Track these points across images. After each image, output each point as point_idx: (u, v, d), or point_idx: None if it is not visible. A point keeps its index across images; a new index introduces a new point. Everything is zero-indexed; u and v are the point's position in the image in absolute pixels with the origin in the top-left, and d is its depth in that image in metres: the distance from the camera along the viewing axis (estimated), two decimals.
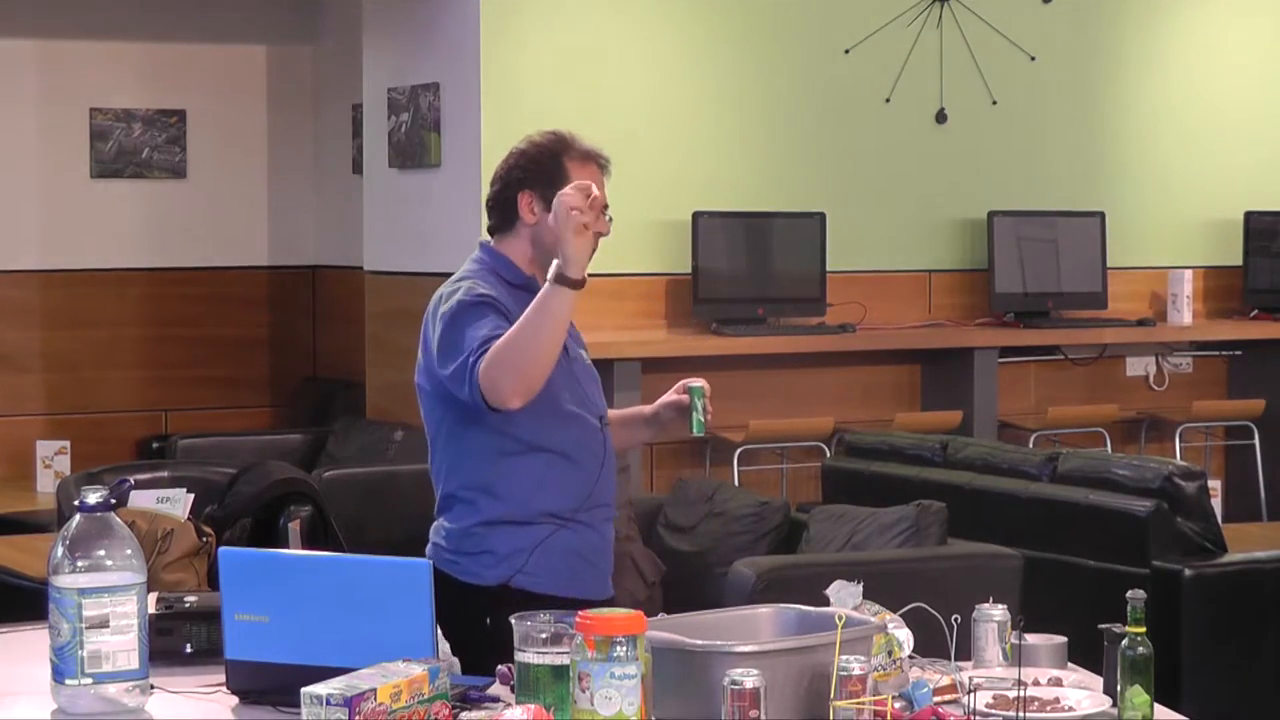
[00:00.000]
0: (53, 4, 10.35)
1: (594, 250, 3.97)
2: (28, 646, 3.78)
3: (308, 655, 3.39)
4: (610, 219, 4.06)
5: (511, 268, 4.19)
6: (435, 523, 4.22)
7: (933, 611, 3.68)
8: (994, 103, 9.45)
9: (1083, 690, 3.53)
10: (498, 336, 3.95)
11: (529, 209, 4.17)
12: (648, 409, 4.34)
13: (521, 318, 3.95)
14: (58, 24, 10.37)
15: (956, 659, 3.65)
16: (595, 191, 3.96)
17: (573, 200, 3.92)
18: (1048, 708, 3.43)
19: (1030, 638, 3.66)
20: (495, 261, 4.21)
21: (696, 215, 8.72)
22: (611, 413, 4.30)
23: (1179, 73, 9.92)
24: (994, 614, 3.73)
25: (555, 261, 3.94)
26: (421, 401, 4.21)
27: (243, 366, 10.85)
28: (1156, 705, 3.36)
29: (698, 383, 4.22)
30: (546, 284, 3.93)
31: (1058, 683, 3.57)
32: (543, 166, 4.18)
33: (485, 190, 9.27)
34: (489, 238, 4.28)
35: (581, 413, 4.18)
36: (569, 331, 4.12)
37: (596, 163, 4.21)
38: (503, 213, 4.22)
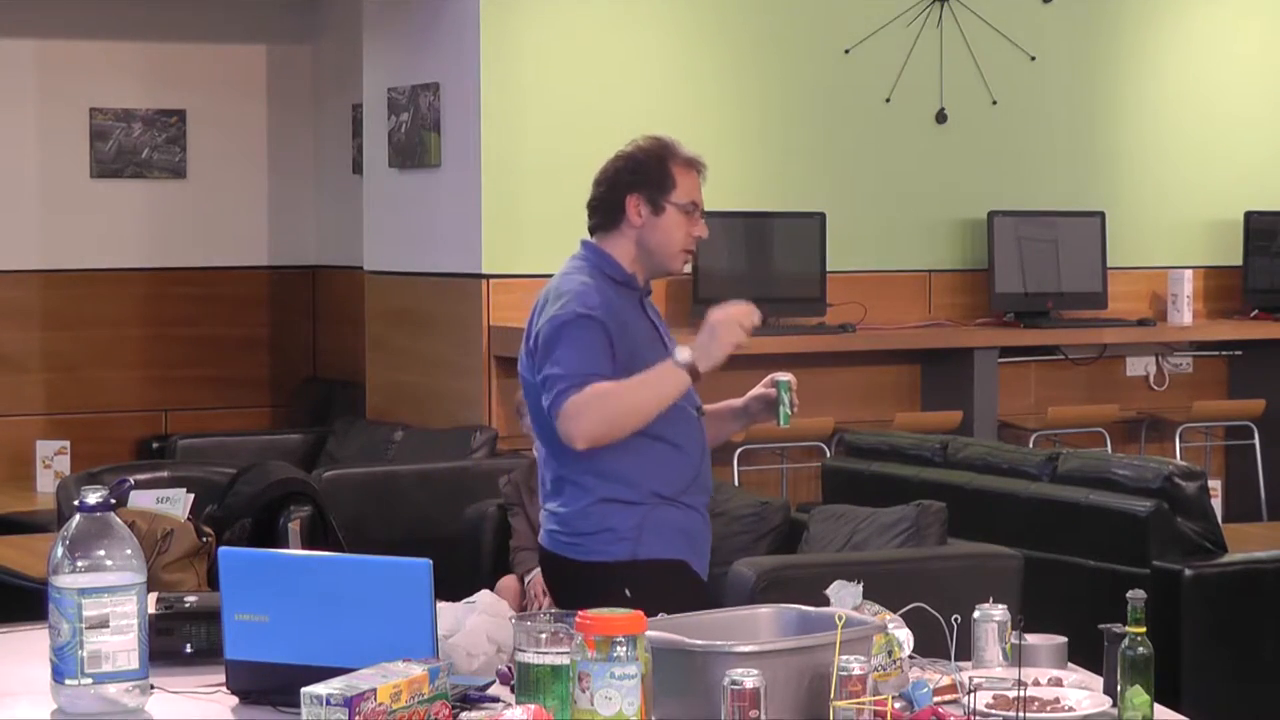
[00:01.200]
0: (53, 4, 10.35)
1: None
2: (28, 646, 3.78)
3: (308, 655, 3.39)
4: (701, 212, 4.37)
5: (615, 265, 4.37)
6: (546, 508, 4.37)
7: (933, 611, 3.68)
8: (994, 103, 9.45)
9: (1083, 690, 3.53)
10: (599, 374, 4.13)
11: (636, 211, 4.37)
12: (738, 402, 4.53)
13: (634, 383, 4.17)
14: (58, 24, 10.37)
15: (956, 659, 3.65)
16: (756, 319, 4.26)
17: (743, 319, 4.24)
18: (1048, 708, 3.43)
19: (1030, 638, 3.66)
20: (600, 259, 4.38)
21: None
22: (722, 404, 4.47)
23: (1179, 73, 9.92)
24: (994, 614, 3.73)
25: (687, 350, 4.20)
26: (526, 392, 4.41)
27: (243, 366, 10.84)
28: (1156, 705, 3.36)
29: (785, 377, 4.40)
30: (671, 363, 4.19)
31: (1058, 683, 3.57)
32: (650, 170, 4.39)
33: (485, 190, 9.31)
34: (589, 236, 4.45)
35: (684, 404, 4.36)
36: (663, 328, 4.38)
37: (696, 169, 4.45)
38: (607, 214, 4.43)
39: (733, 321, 4.23)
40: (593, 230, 4.45)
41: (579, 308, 4.25)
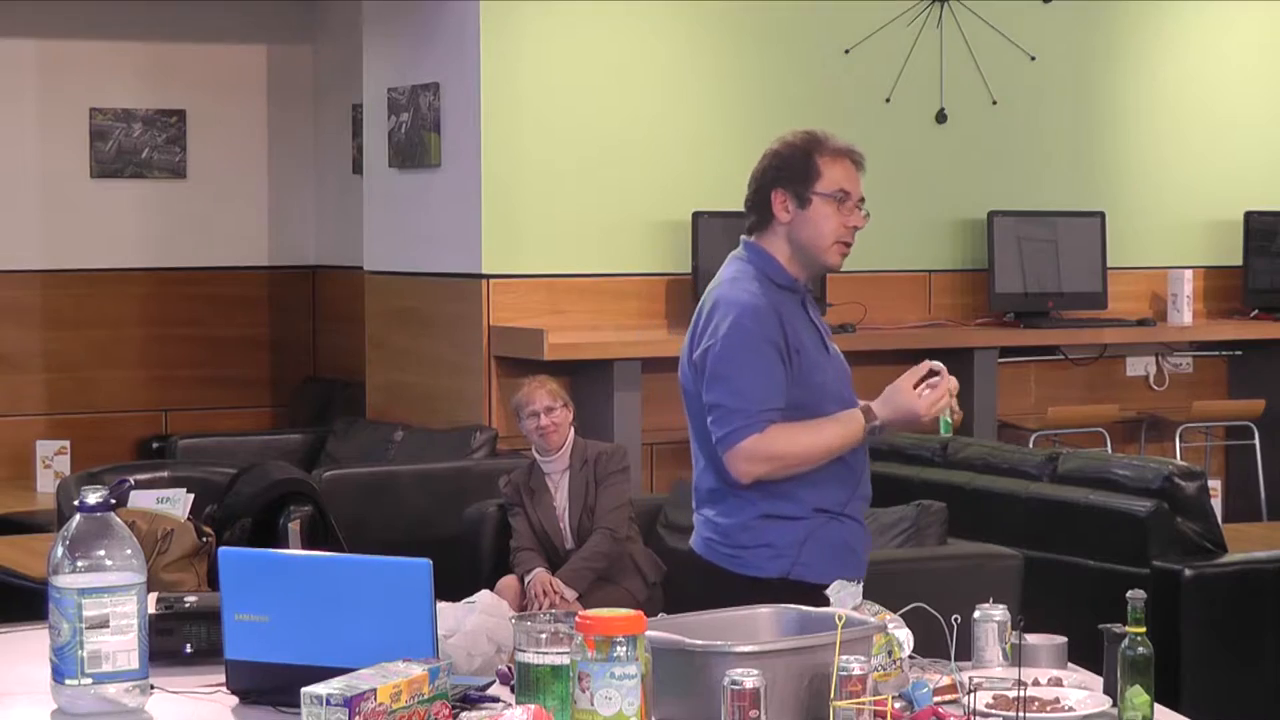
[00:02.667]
0: (53, 4, 10.35)
1: None
2: (28, 646, 3.78)
3: (308, 655, 3.39)
4: (867, 215, 4.33)
5: (778, 268, 4.30)
6: (702, 514, 4.32)
7: (933, 611, 3.67)
8: (994, 103, 9.45)
9: (1083, 690, 3.53)
10: (774, 408, 4.11)
11: (783, 207, 4.32)
12: None
13: (812, 433, 4.15)
14: (58, 24, 10.37)
15: (956, 659, 3.65)
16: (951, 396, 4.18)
17: (932, 410, 4.18)
18: (1048, 708, 3.43)
19: (1030, 638, 3.66)
20: (762, 262, 4.31)
21: (696, 215, 8.72)
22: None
23: (1179, 73, 9.92)
24: (994, 614, 3.72)
25: (879, 415, 4.18)
26: (686, 400, 4.32)
27: (243, 366, 10.85)
28: (1156, 705, 3.36)
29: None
30: (859, 426, 4.18)
31: (1058, 683, 3.57)
32: (794, 164, 4.34)
33: (485, 190, 9.31)
34: (749, 236, 4.40)
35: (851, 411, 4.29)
36: (823, 327, 4.33)
37: (850, 158, 4.35)
38: (759, 212, 4.37)
39: (933, 402, 4.19)
40: (749, 230, 4.39)
41: (752, 324, 4.18)
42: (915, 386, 4.23)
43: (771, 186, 4.35)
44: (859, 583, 3.66)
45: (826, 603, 3.68)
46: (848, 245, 4.32)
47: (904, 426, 4.26)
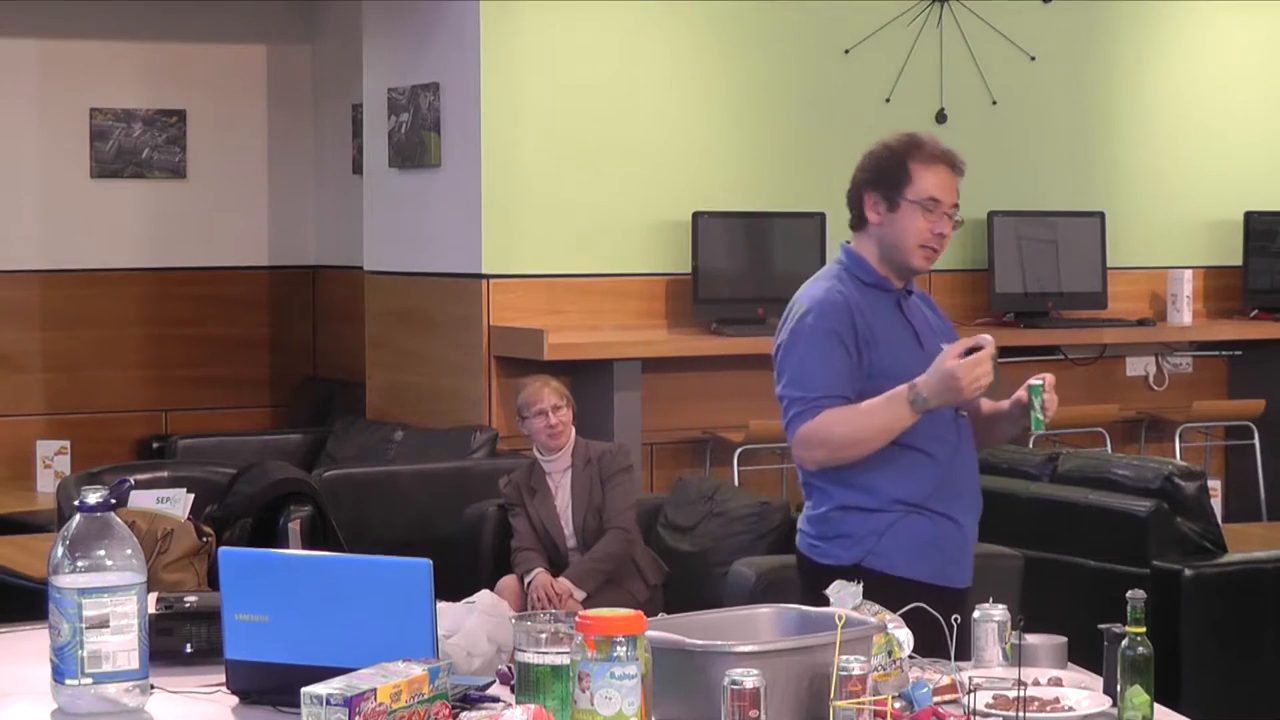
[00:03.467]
0: (53, 4, 10.35)
1: None
2: (28, 646, 3.78)
3: (308, 655, 3.39)
4: (960, 220, 4.37)
5: (866, 267, 4.37)
6: (803, 511, 4.46)
7: (933, 611, 3.68)
8: (994, 103, 9.45)
9: (1083, 690, 3.53)
10: (830, 395, 4.18)
11: (873, 209, 4.37)
12: (1004, 404, 4.49)
13: (859, 416, 4.20)
14: (58, 24, 10.37)
15: (956, 659, 3.65)
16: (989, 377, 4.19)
17: (979, 380, 4.17)
18: (1048, 708, 3.43)
19: (1030, 638, 3.66)
20: (852, 263, 4.39)
21: (696, 215, 8.72)
22: (984, 405, 4.45)
23: (1179, 73, 9.92)
24: (994, 614, 3.72)
25: (922, 394, 4.17)
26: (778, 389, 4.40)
27: (243, 366, 10.85)
28: (1156, 705, 3.36)
29: (1038, 380, 4.34)
30: (903, 400, 4.18)
31: (1058, 683, 3.57)
32: (887, 169, 4.36)
33: (485, 190, 9.30)
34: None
35: (942, 410, 4.31)
36: (933, 325, 4.39)
37: (946, 163, 4.37)
38: (853, 213, 4.43)
39: (974, 378, 4.19)
40: (850, 226, 4.47)
41: (817, 319, 4.27)
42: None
43: (864, 188, 4.39)
44: (860, 583, 3.66)
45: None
46: (934, 250, 4.37)
47: (945, 393, 4.21)
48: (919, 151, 4.36)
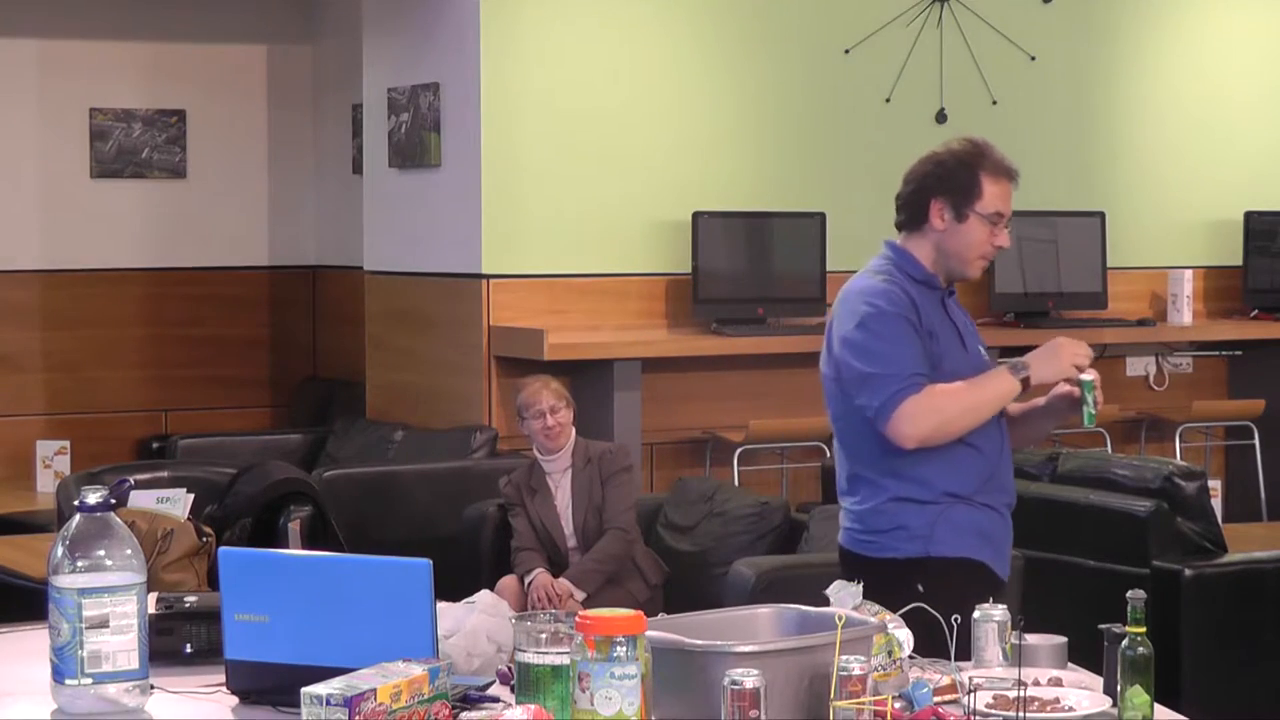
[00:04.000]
0: (53, 4, 10.35)
1: None
2: (28, 646, 3.78)
3: (308, 655, 3.38)
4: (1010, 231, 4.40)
5: (916, 265, 4.39)
6: (842, 506, 4.44)
7: (933, 611, 3.68)
8: (994, 103, 9.45)
9: (1083, 690, 3.52)
10: (923, 373, 4.20)
11: (939, 215, 4.39)
12: (1041, 401, 4.48)
13: (967, 387, 4.24)
14: (58, 24, 10.37)
15: (956, 659, 3.65)
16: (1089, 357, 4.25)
17: (1079, 359, 4.22)
18: (1048, 708, 3.43)
19: (1030, 638, 3.66)
20: (901, 259, 4.40)
21: (696, 215, 8.72)
22: (1011, 407, 4.43)
23: (1179, 72, 9.92)
24: (994, 614, 3.73)
25: (1025, 365, 4.23)
26: (825, 388, 4.47)
27: (243, 366, 10.84)
28: (1156, 705, 3.36)
29: (1089, 375, 4.33)
30: (1006, 369, 4.24)
31: (1058, 683, 3.57)
32: (957, 177, 4.39)
33: (485, 190, 9.29)
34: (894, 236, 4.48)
35: None
36: (969, 327, 4.41)
37: (1009, 176, 4.44)
38: (911, 213, 4.44)
39: (1070, 359, 4.24)
40: (899, 227, 4.48)
41: (887, 305, 4.29)
42: None
43: (932, 194, 4.40)
44: (860, 583, 3.66)
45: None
46: (989, 260, 4.41)
47: (1049, 362, 4.26)
48: (988, 163, 4.41)
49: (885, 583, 3.97)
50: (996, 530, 4.37)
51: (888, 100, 9.27)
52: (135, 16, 10.53)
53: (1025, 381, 4.25)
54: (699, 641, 3.27)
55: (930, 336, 4.29)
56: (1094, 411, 4.31)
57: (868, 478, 4.33)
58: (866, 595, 3.63)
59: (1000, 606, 3.74)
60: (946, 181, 4.38)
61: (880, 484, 4.31)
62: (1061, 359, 4.26)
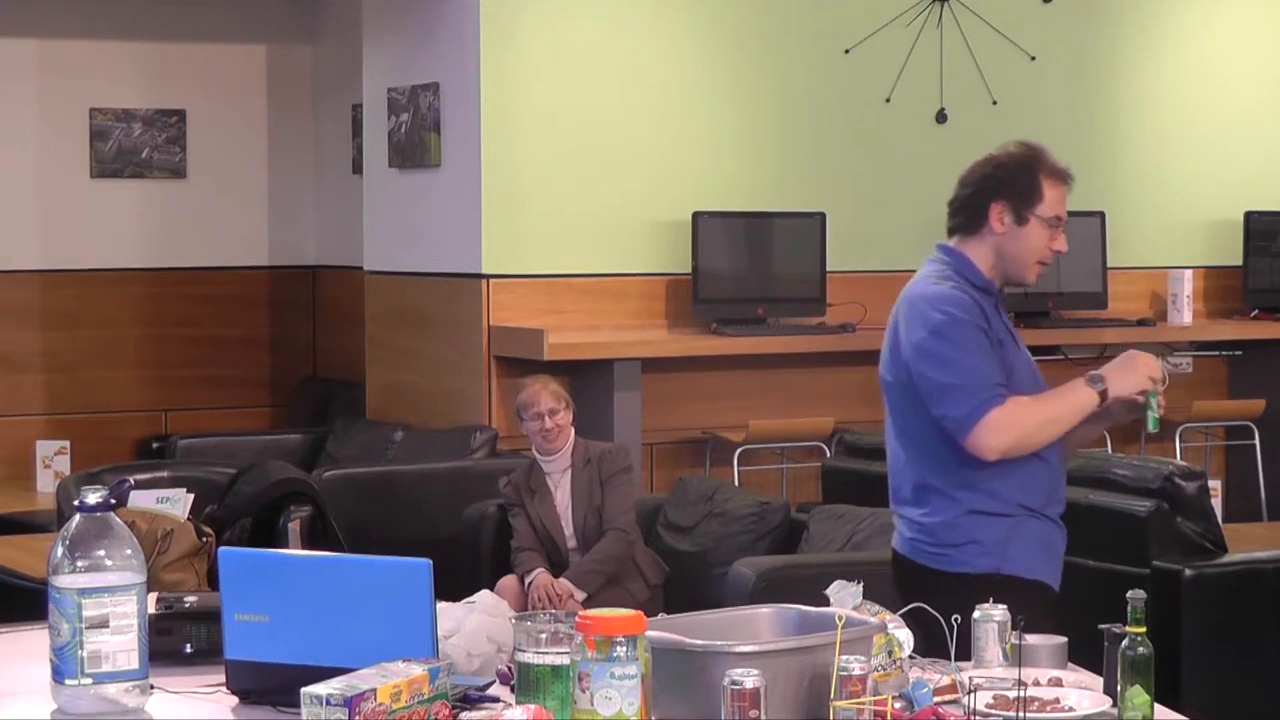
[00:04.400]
0: (53, 4, 10.35)
1: None
2: (28, 646, 3.78)
3: (308, 655, 3.38)
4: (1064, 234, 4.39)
5: (975, 271, 4.35)
6: (903, 514, 4.39)
7: (933, 611, 3.68)
8: (994, 103, 9.45)
9: (1083, 690, 3.52)
10: (1004, 384, 4.17)
11: (999, 219, 4.37)
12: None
13: (1048, 400, 4.23)
14: (58, 24, 10.37)
15: (956, 659, 3.65)
16: (1162, 373, 4.24)
17: (1154, 373, 4.21)
18: (1048, 708, 3.43)
19: (1030, 638, 3.66)
20: (961, 264, 4.37)
21: (696, 215, 8.72)
22: None
23: (1179, 73, 9.91)
24: (994, 614, 3.72)
25: (1102, 378, 4.21)
26: (888, 394, 4.41)
27: (243, 366, 10.85)
28: (1156, 705, 3.36)
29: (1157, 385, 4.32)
30: (1084, 382, 4.22)
31: (1058, 683, 3.57)
32: (1019, 180, 4.38)
33: (485, 190, 9.28)
34: (947, 240, 4.46)
35: None
36: (1013, 330, 4.38)
37: (1065, 181, 4.44)
38: (969, 216, 4.42)
39: (1145, 373, 4.23)
40: (952, 231, 4.45)
41: (961, 312, 4.25)
42: None
43: (992, 197, 4.38)
44: (860, 583, 3.65)
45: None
46: (1045, 265, 4.40)
47: (1124, 374, 4.24)
48: (1046, 166, 4.40)
49: (953, 596, 3.94)
50: (1058, 544, 4.40)
51: (888, 100, 9.27)
52: (135, 16, 10.53)
53: (1104, 394, 4.22)
54: (699, 641, 3.27)
55: (1000, 344, 4.27)
56: (1158, 416, 4.31)
57: (940, 489, 4.29)
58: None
59: (1000, 607, 3.74)
60: (1007, 184, 4.37)
61: (954, 496, 4.27)
62: (1138, 372, 4.24)
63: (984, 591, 3.90)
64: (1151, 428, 4.33)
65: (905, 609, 3.64)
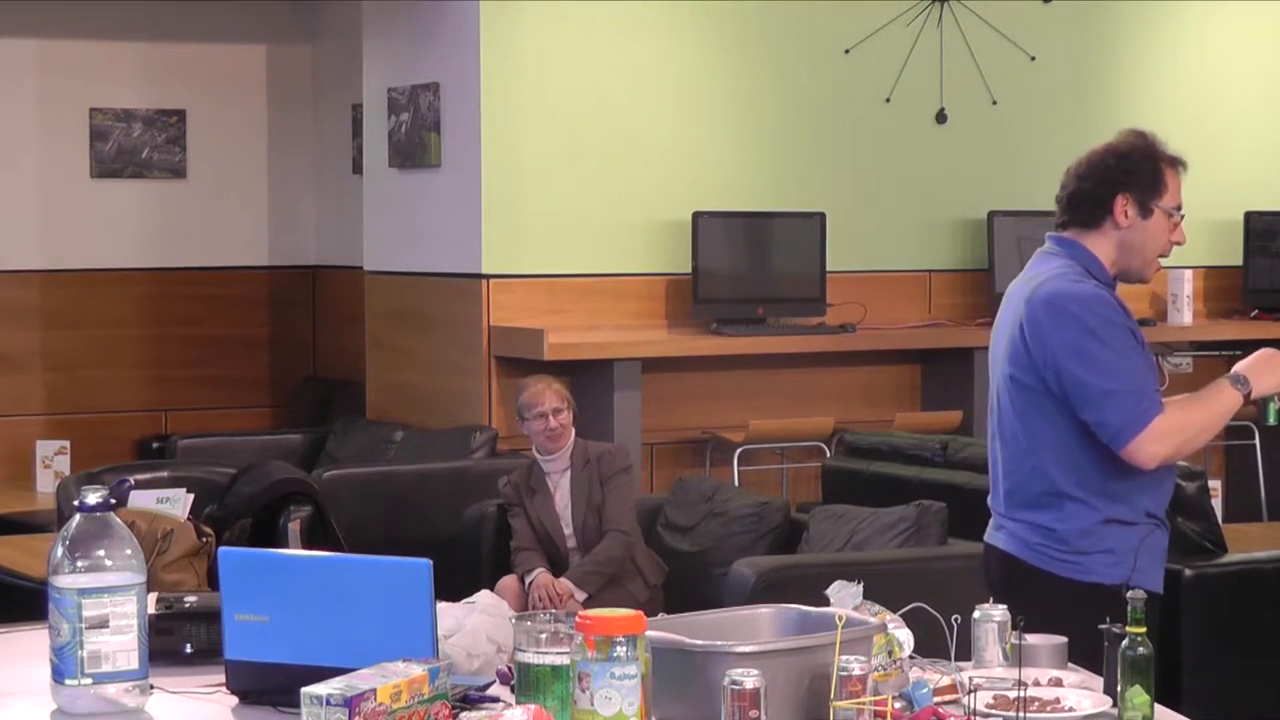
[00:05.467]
0: (53, 4, 10.34)
1: None
2: (28, 646, 3.78)
3: (308, 655, 3.38)
4: (1183, 216, 4.34)
5: (1100, 267, 4.26)
6: (1021, 518, 4.23)
7: (933, 611, 3.67)
8: (994, 103, 9.45)
9: (1083, 690, 3.52)
10: (1157, 389, 4.12)
11: (1123, 212, 4.28)
12: None
13: (1201, 404, 4.23)
14: (58, 24, 10.37)
15: (956, 659, 3.65)
16: None
17: None
18: (1048, 708, 3.43)
19: (1030, 638, 3.66)
20: (1086, 260, 4.25)
21: (696, 215, 8.73)
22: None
23: (1179, 72, 9.92)
24: (994, 614, 3.72)
25: (1244, 379, 4.19)
26: (1018, 393, 4.21)
27: (243, 366, 10.85)
28: (1156, 705, 3.36)
29: None
30: (1228, 384, 4.20)
31: (1058, 683, 3.57)
32: (1143, 171, 4.32)
33: (485, 190, 9.26)
34: (1058, 231, 4.33)
35: None
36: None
37: (1181, 170, 4.40)
38: (1091, 210, 4.29)
39: None
40: (1065, 225, 4.32)
41: (1112, 314, 4.17)
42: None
43: (1118, 189, 4.28)
44: (860, 583, 3.65)
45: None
46: (1164, 258, 4.35)
47: (1265, 372, 4.21)
48: (1162, 154, 4.33)
49: (1076, 605, 3.93)
50: (1166, 551, 4.31)
51: (888, 100, 9.27)
52: (135, 16, 10.53)
53: (1248, 396, 4.19)
54: (699, 641, 3.27)
55: (1143, 346, 4.21)
56: (1278, 407, 4.31)
57: (1076, 496, 4.16)
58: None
59: (1000, 607, 3.73)
60: (1133, 175, 4.29)
61: (1092, 504, 4.16)
62: (1278, 372, 4.21)
63: (1117, 604, 3.85)
64: (1272, 420, 4.32)
65: (905, 609, 3.63)
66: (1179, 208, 4.34)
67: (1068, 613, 3.73)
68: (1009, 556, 4.26)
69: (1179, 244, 4.33)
